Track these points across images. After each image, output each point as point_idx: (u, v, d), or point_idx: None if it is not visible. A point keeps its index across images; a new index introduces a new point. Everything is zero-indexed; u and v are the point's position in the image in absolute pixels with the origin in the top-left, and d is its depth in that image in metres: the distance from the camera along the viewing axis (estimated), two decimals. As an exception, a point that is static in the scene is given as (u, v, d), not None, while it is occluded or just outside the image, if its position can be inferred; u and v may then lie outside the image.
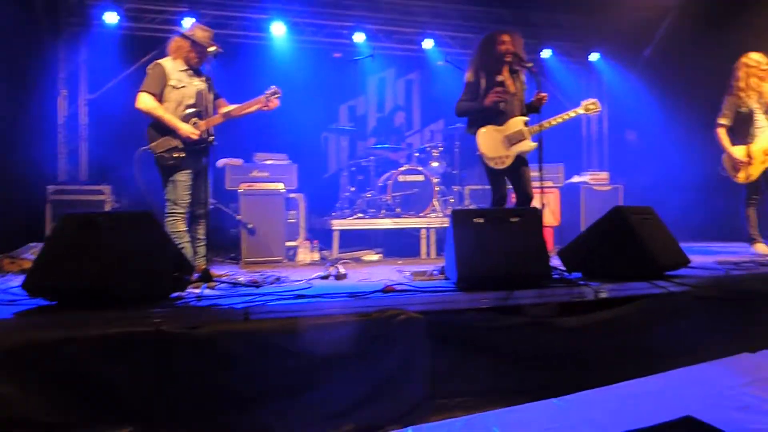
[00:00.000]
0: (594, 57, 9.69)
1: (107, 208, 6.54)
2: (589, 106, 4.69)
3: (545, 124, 4.51)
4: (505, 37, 4.57)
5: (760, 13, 6.72)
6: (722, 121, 5.59)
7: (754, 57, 5.50)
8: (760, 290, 3.84)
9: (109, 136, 7.57)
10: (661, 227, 4.16)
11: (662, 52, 8.67)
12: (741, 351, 3.33)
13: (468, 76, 4.72)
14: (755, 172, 5.47)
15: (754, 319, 3.73)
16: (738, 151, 5.52)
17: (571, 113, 4.67)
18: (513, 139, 4.59)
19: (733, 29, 6.99)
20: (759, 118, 5.49)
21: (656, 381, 3.04)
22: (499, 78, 4.56)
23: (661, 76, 8.58)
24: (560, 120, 4.63)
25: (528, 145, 4.58)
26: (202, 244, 4.41)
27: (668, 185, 8.03)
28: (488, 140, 4.64)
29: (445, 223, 6.69)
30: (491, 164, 4.64)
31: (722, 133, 5.59)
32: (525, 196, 4.63)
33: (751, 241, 5.57)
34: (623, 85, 9.41)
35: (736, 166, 5.53)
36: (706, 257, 5.13)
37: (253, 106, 4.56)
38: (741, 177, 5.53)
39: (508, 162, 4.60)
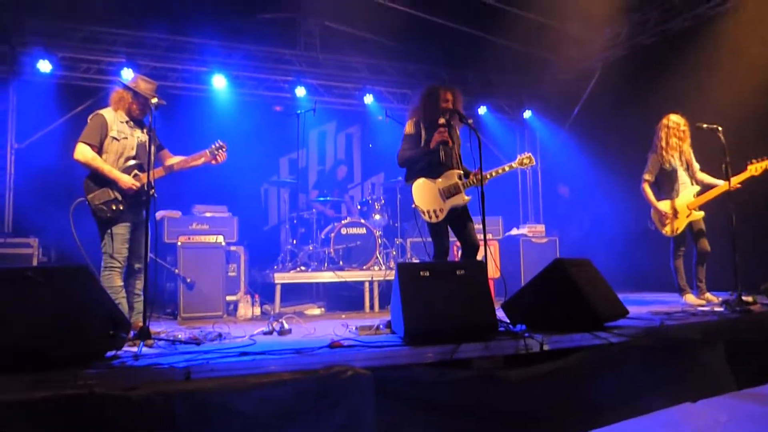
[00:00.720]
0: (527, 114, 10.13)
1: (34, 262, 6.23)
2: (524, 160, 4.90)
3: (480, 177, 4.53)
4: (449, 95, 4.69)
5: (678, 75, 7.25)
6: (646, 177, 5.91)
7: (674, 119, 5.87)
8: (694, 339, 3.98)
9: (37, 187, 7.29)
10: (600, 279, 4.29)
11: (589, 111, 9.16)
12: (681, 400, 3.42)
13: (408, 128, 4.80)
14: (680, 225, 5.77)
15: (690, 368, 3.86)
16: (664, 206, 5.82)
17: (506, 167, 4.85)
18: (447, 193, 4.67)
19: (653, 91, 7.50)
20: (681, 174, 5.84)
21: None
22: (441, 121, 4.66)
23: (589, 133, 9.05)
24: (495, 174, 4.77)
25: (462, 198, 4.68)
26: (139, 299, 4.23)
27: (599, 237, 8.37)
28: (423, 193, 4.69)
29: (389, 276, 6.69)
30: (425, 217, 4.66)
31: (647, 188, 5.90)
32: (471, 246, 4.68)
33: (681, 291, 5.81)
34: (555, 141, 9.85)
35: (663, 219, 5.81)
36: (640, 307, 5.31)
37: (198, 160, 4.52)
38: (668, 230, 5.82)
39: (442, 216, 4.64)
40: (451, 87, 4.82)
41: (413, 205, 4.71)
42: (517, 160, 4.89)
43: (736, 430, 2.87)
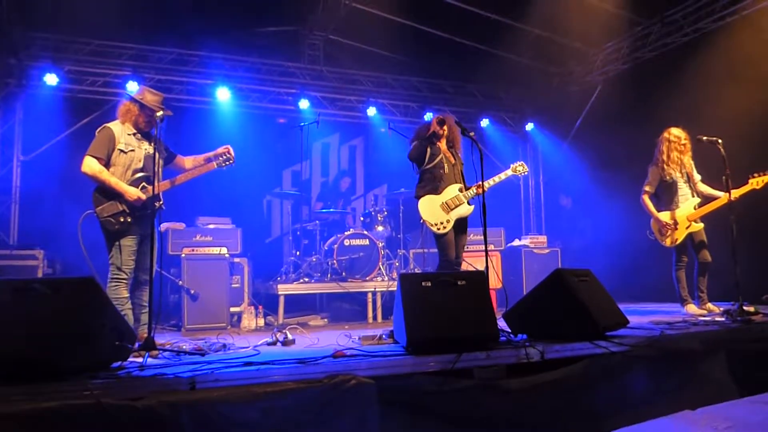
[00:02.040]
0: (529, 127, 10.19)
1: (39, 273, 6.27)
2: (517, 168, 5.30)
3: (478, 188, 4.88)
4: (442, 123, 5.06)
5: (679, 89, 7.30)
6: (647, 188, 5.96)
7: (675, 132, 5.91)
8: (694, 349, 4.00)
9: (42, 200, 7.35)
10: (600, 288, 4.32)
11: (591, 124, 9.21)
12: (681, 409, 3.44)
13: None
14: (680, 236, 5.80)
15: (691, 377, 3.88)
16: (664, 216, 5.86)
17: (502, 176, 5.21)
18: (451, 205, 4.97)
19: (655, 104, 7.55)
20: (682, 186, 5.87)
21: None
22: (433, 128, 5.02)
23: (591, 145, 9.09)
24: (492, 183, 5.08)
25: (465, 208, 5.00)
26: (145, 311, 4.27)
27: (601, 248, 8.39)
28: (428, 208, 4.97)
29: (391, 286, 6.73)
30: (434, 229, 4.93)
31: (646, 199, 5.95)
32: (457, 263, 5.00)
33: (683, 302, 5.83)
34: (557, 153, 9.89)
35: (663, 230, 5.85)
36: (641, 317, 5.34)
37: (207, 169, 4.62)
38: (667, 241, 5.86)
39: (449, 226, 4.92)
40: (444, 115, 5.16)
41: (421, 220, 5.01)
42: (511, 168, 5.27)
43: (734, 438, 2.91)
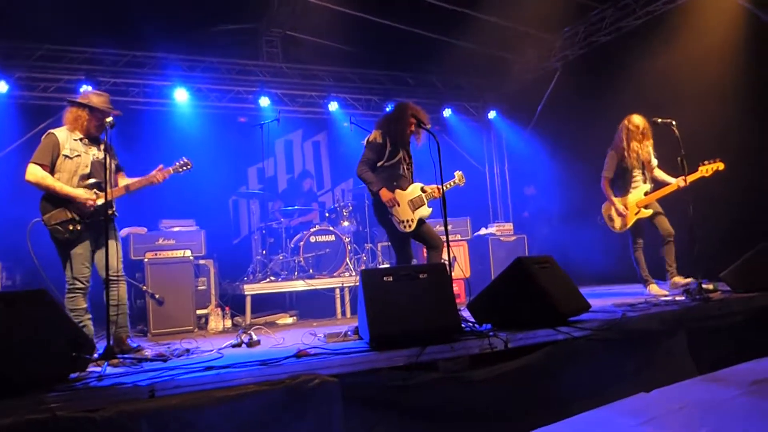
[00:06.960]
0: (492, 115, 10.24)
1: (-2, 286, 6.12)
2: (462, 177, 5.38)
3: (438, 192, 4.91)
4: (413, 120, 4.89)
5: (635, 72, 7.42)
6: (606, 174, 6.03)
7: (635, 121, 5.92)
8: (654, 330, 4.08)
9: (-2, 209, 7.15)
10: (561, 275, 4.37)
11: (552, 110, 9.29)
12: (645, 389, 3.50)
13: (375, 136, 4.95)
14: (629, 221, 5.91)
15: (652, 357, 3.96)
16: (618, 203, 5.94)
17: (452, 183, 5.28)
18: (415, 204, 4.95)
19: (613, 87, 7.65)
20: (636, 174, 5.95)
21: (563, 427, 3.14)
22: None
23: (553, 131, 9.18)
24: (447, 188, 5.05)
25: (426, 210, 4.99)
26: (123, 311, 4.15)
27: (567, 233, 8.49)
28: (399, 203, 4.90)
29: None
30: (401, 227, 4.86)
31: (607, 186, 6.02)
32: (436, 239, 4.94)
33: (645, 282, 5.93)
34: (520, 140, 9.97)
35: (615, 215, 5.94)
36: (604, 300, 5.42)
37: (156, 178, 4.44)
38: (617, 226, 5.96)
39: (413, 225, 4.89)
40: (417, 108, 5.00)
41: (389, 215, 4.90)
42: (456, 177, 5.34)
43: (687, 418, 2.97)
